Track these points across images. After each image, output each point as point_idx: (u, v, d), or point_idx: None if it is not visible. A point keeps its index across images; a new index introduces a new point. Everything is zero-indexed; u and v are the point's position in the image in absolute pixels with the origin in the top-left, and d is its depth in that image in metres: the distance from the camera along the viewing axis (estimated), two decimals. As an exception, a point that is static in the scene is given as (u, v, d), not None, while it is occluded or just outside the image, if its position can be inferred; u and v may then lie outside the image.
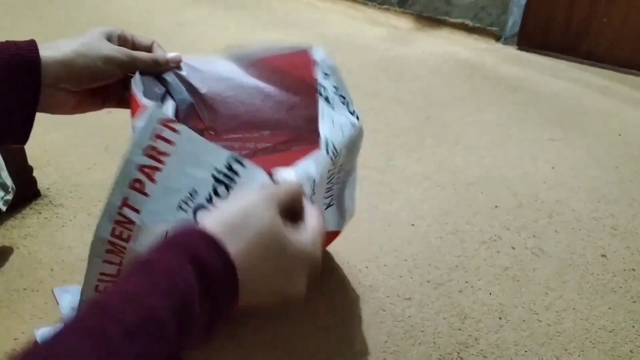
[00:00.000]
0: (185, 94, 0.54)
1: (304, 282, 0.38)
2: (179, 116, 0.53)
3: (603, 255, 0.82)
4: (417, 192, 0.96)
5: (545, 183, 1.01)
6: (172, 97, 0.53)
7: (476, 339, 0.66)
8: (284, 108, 0.58)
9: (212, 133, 0.55)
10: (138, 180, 0.36)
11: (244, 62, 0.57)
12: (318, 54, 0.58)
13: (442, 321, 0.69)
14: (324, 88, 0.54)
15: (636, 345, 0.67)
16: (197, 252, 0.31)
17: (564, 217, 0.91)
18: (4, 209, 0.77)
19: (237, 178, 0.37)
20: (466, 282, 0.76)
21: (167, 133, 0.37)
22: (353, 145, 0.58)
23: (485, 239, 0.85)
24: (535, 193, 0.98)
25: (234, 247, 0.33)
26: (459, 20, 1.96)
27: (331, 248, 0.80)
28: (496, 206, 0.93)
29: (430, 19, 2.03)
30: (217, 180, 0.37)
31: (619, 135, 1.23)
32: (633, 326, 0.70)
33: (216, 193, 0.37)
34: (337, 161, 0.52)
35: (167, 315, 0.28)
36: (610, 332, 0.69)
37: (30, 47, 0.44)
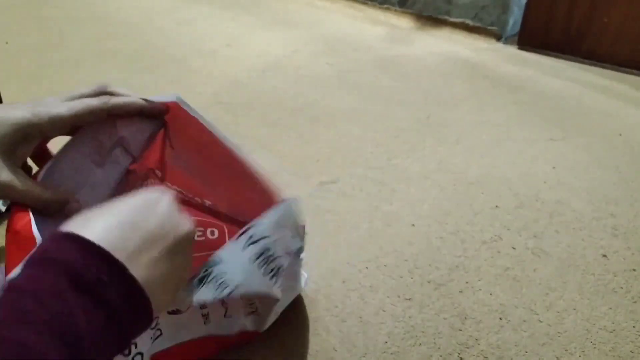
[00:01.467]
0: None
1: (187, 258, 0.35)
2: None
3: (604, 256, 0.82)
4: (417, 192, 0.96)
5: (546, 183, 1.01)
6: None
7: (477, 339, 0.66)
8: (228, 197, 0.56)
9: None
10: None
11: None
12: (286, 207, 0.50)
13: (443, 322, 0.68)
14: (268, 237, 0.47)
15: (637, 346, 0.67)
16: (90, 278, 0.27)
17: (565, 217, 0.91)
18: (3, 209, 0.77)
19: None
20: (467, 282, 0.75)
21: None
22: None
23: (485, 239, 0.85)
24: (536, 193, 0.97)
25: (133, 256, 0.29)
26: (460, 20, 1.96)
27: (331, 248, 0.80)
28: (497, 206, 0.93)
29: (431, 19, 2.03)
30: None
31: (620, 135, 1.23)
32: (634, 326, 0.69)
33: None
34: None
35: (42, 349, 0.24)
36: (611, 332, 0.68)
37: None
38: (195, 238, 0.37)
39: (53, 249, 0.28)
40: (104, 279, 0.27)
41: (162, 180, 0.50)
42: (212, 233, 0.50)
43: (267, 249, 0.45)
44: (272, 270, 0.47)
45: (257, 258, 0.44)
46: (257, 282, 0.45)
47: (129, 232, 0.30)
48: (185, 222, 0.35)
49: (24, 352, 0.23)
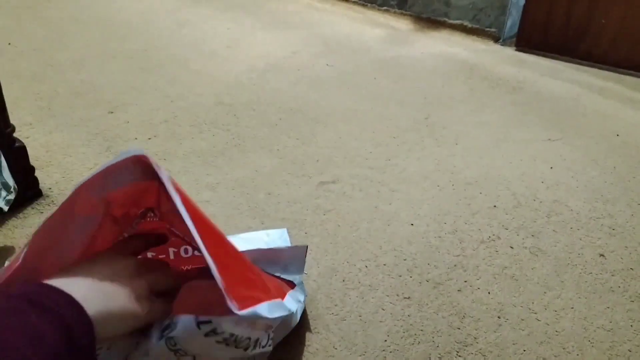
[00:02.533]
0: None
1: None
2: None
3: (601, 255, 0.83)
4: (416, 192, 0.97)
5: (544, 183, 1.02)
6: None
7: (475, 338, 0.67)
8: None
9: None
10: None
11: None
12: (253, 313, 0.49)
13: (441, 320, 0.69)
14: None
15: (634, 345, 0.67)
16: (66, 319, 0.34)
17: (563, 216, 0.92)
18: (6, 208, 0.77)
19: None
20: (465, 281, 0.76)
21: None
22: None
23: (484, 238, 0.85)
24: (534, 193, 0.98)
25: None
26: (458, 22, 1.96)
27: (331, 248, 0.80)
28: (495, 206, 0.94)
29: (429, 20, 2.04)
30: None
31: (617, 135, 1.23)
32: (631, 325, 0.70)
33: None
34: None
35: None
36: (608, 331, 0.69)
37: None
38: (135, 265, 0.44)
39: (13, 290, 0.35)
40: (54, 298, 0.35)
41: (160, 220, 0.48)
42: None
43: (231, 335, 0.46)
44: (245, 345, 0.49)
45: (220, 343, 0.46)
46: (224, 353, 0.47)
47: (71, 271, 0.39)
48: (124, 258, 0.44)
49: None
